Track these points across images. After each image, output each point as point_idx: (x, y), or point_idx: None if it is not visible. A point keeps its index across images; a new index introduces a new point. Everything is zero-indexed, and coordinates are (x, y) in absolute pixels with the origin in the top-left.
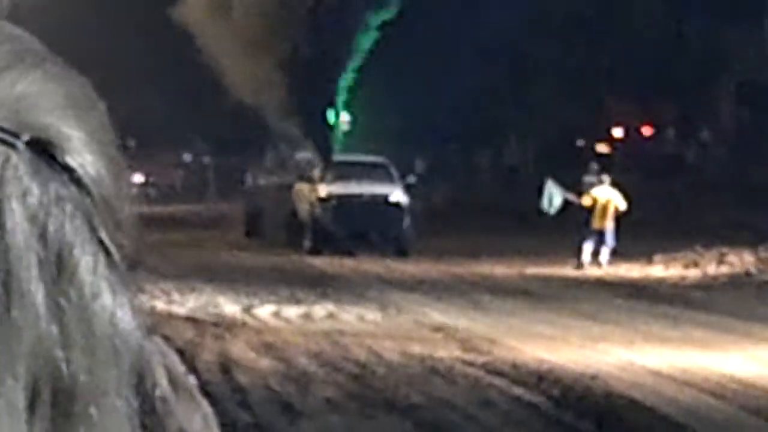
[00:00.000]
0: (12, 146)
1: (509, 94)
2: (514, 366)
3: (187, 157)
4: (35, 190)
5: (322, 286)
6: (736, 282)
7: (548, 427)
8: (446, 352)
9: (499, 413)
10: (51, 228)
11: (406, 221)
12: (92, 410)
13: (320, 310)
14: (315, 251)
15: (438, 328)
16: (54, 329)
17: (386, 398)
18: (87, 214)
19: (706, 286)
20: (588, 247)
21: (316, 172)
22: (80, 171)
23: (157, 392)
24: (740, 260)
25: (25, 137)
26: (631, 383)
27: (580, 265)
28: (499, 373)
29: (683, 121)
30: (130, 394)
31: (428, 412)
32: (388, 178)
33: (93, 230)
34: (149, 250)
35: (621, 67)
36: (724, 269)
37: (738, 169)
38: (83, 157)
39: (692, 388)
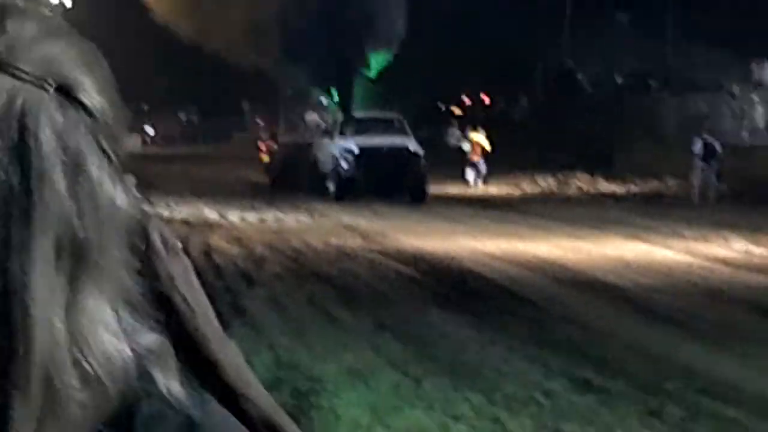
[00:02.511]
0: (45, 90)
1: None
2: (398, 251)
3: (182, 116)
4: (59, 118)
5: (272, 200)
6: (544, 196)
7: (422, 291)
8: (353, 243)
9: (388, 281)
10: (70, 142)
11: (424, 169)
12: (98, 258)
13: (270, 215)
14: (339, 198)
15: (348, 227)
16: (72, 205)
17: (313, 272)
18: (94, 133)
19: (524, 199)
20: (470, 173)
21: (338, 127)
22: (90, 105)
23: (150, 248)
24: (546, 182)
25: (54, 83)
26: (476, 262)
27: (467, 184)
28: (388, 256)
29: (510, 92)
30: (126, 249)
31: (341, 281)
32: (404, 132)
33: (99, 143)
34: (157, 177)
35: (471, 56)
36: (536, 188)
37: (547, 124)
38: (92, 95)
39: (516, 266)
